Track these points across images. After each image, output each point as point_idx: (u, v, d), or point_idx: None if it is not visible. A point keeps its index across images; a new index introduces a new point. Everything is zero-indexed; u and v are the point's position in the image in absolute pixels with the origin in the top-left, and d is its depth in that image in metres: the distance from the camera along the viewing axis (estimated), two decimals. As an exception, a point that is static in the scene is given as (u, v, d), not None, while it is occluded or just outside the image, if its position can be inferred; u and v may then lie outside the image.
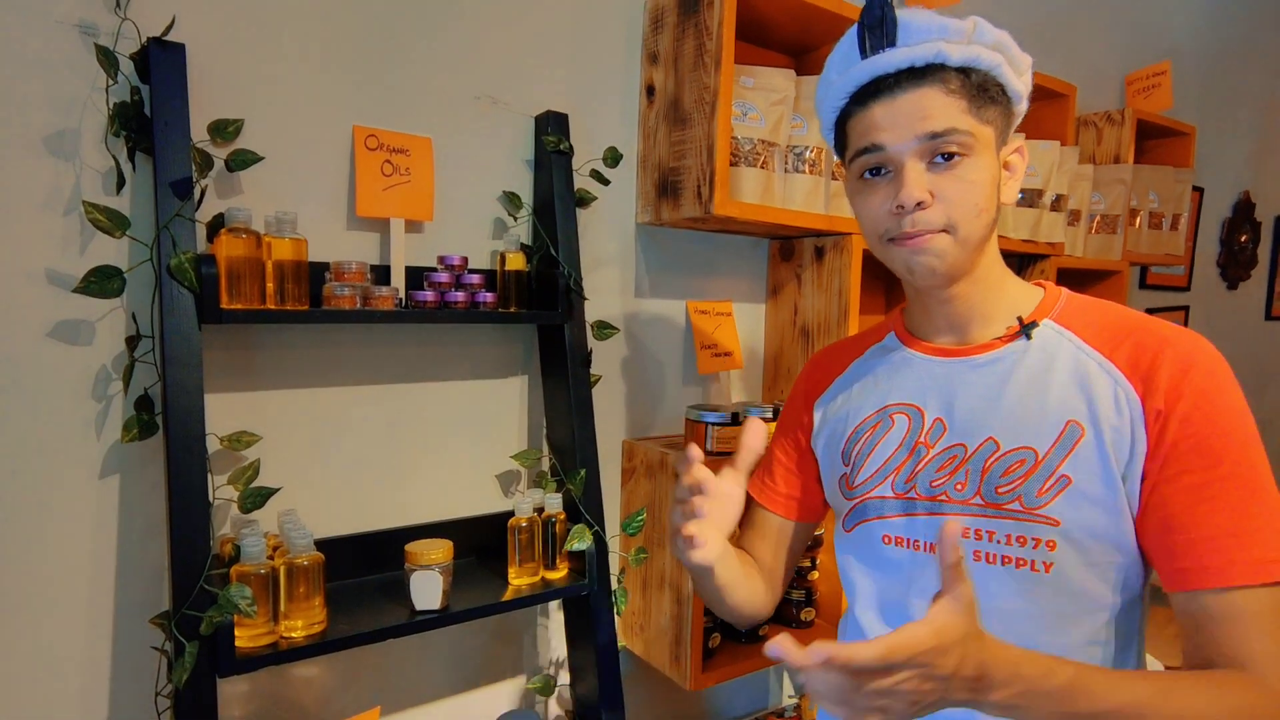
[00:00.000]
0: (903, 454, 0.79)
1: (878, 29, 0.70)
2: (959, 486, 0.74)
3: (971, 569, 0.72)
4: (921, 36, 0.69)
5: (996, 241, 0.78)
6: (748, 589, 0.86)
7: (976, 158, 0.70)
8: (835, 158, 0.82)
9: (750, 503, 0.94)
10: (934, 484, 0.76)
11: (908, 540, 0.78)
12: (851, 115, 0.74)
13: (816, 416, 0.90)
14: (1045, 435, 0.70)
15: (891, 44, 0.70)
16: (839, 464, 0.86)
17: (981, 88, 0.71)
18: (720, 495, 0.75)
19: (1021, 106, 0.76)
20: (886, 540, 0.79)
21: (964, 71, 0.70)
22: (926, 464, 0.77)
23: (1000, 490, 0.71)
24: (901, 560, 0.78)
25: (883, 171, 0.73)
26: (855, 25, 0.72)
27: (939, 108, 0.69)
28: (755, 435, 0.77)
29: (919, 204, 0.70)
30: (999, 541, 0.71)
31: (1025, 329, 0.75)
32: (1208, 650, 0.65)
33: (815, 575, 1.48)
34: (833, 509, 0.90)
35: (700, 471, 0.73)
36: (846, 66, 0.73)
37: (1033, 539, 0.70)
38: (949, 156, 0.70)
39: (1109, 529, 0.68)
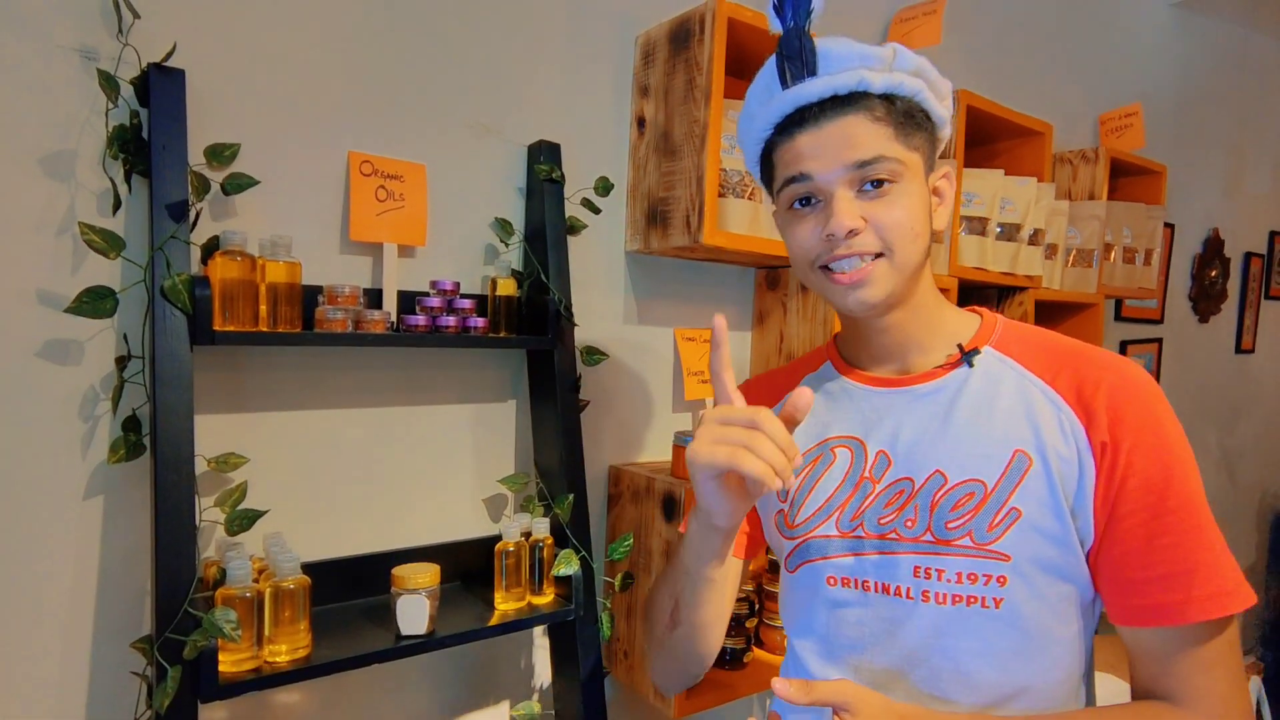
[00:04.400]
0: (846, 490, 0.76)
1: (797, 59, 0.69)
2: (909, 523, 0.71)
3: (920, 610, 0.70)
4: (843, 65, 0.68)
5: (930, 270, 0.77)
6: (724, 596, 0.81)
7: (906, 184, 0.70)
8: (763, 189, 0.80)
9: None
10: (883, 521, 0.73)
11: (856, 580, 0.74)
12: (777, 146, 0.73)
13: None
14: (993, 466, 0.68)
15: (812, 73, 0.69)
16: (774, 500, 0.82)
17: (907, 114, 0.70)
18: None
19: (945, 132, 0.75)
20: (832, 581, 0.76)
21: (887, 99, 0.69)
22: (873, 500, 0.74)
23: (950, 526, 0.69)
24: (849, 600, 0.75)
25: (812, 201, 0.72)
26: (774, 56, 0.71)
27: (865, 135, 0.68)
28: (805, 402, 0.64)
29: (851, 231, 0.68)
30: (949, 580, 0.69)
31: (967, 356, 0.73)
32: (1157, 683, 0.66)
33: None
34: (771, 547, 0.86)
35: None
36: (768, 98, 0.72)
37: (983, 575, 0.68)
38: (878, 184, 0.69)
39: (1059, 561, 0.67)
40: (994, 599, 0.68)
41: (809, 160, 0.70)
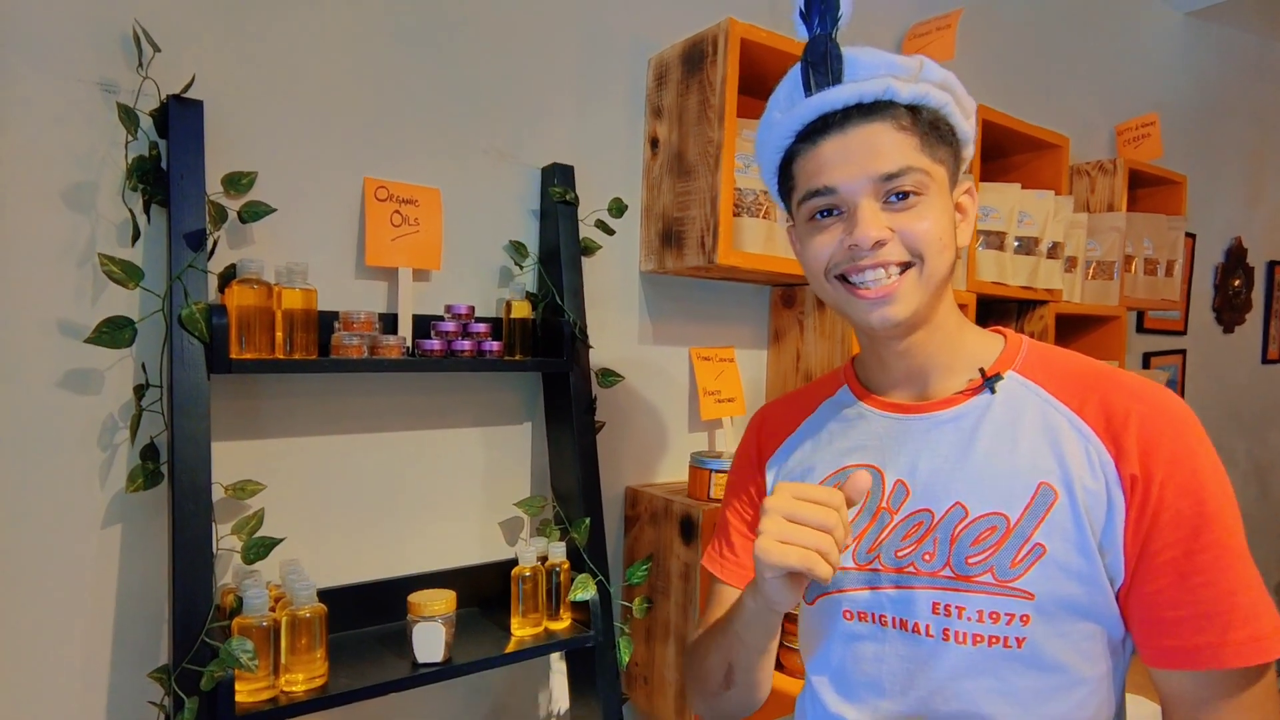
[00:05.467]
0: (864, 520, 0.73)
1: (822, 65, 0.67)
2: (927, 557, 0.68)
3: (943, 650, 0.67)
4: (869, 72, 0.67)
5: (952, 290, 0.75)
6: (775, 654, 0.81)
7: (932, 196, 0.68)
8: (778, 202, 0.79)
9: (710, 579, 0.88)
10: (900, 554, 0.70)
11: (872, 615, 0.71)
12: (799, 154, 0.70)
13: (769, 477, 0.84)
14: (1016, 499, 0.65)
15: (837, 80, 0.67)
16: None
17: (932, 125, 0.68)
18: None
19: (968, 151, 0.74)
20: (848, 615, 0.73)
21: (913, 109, 0.67)
22: (890, 532, 0.71)
23: (971, 561, 0.66)
24: (865, 635, 0.72)
25: (834, 212, 0.69)
26: (799, 63, 0.69)
27: (891, 145, 0.66)
28: (864, 485, 0.65)
29: (878, 242, 0.66)
30: (969, 618, 0.66)
31: (989, 382, 0.70)
32: None
33: None
34: None
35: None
36: (791, 105, 0.70)
37: (1006, 614, 0.64)
38: (904, 196, 0.67)
39: (1085, 600, 0.64)
40: (1016, 639, 0.64)
41: (832, 170, 0.67)
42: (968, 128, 0.72)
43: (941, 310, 0.72)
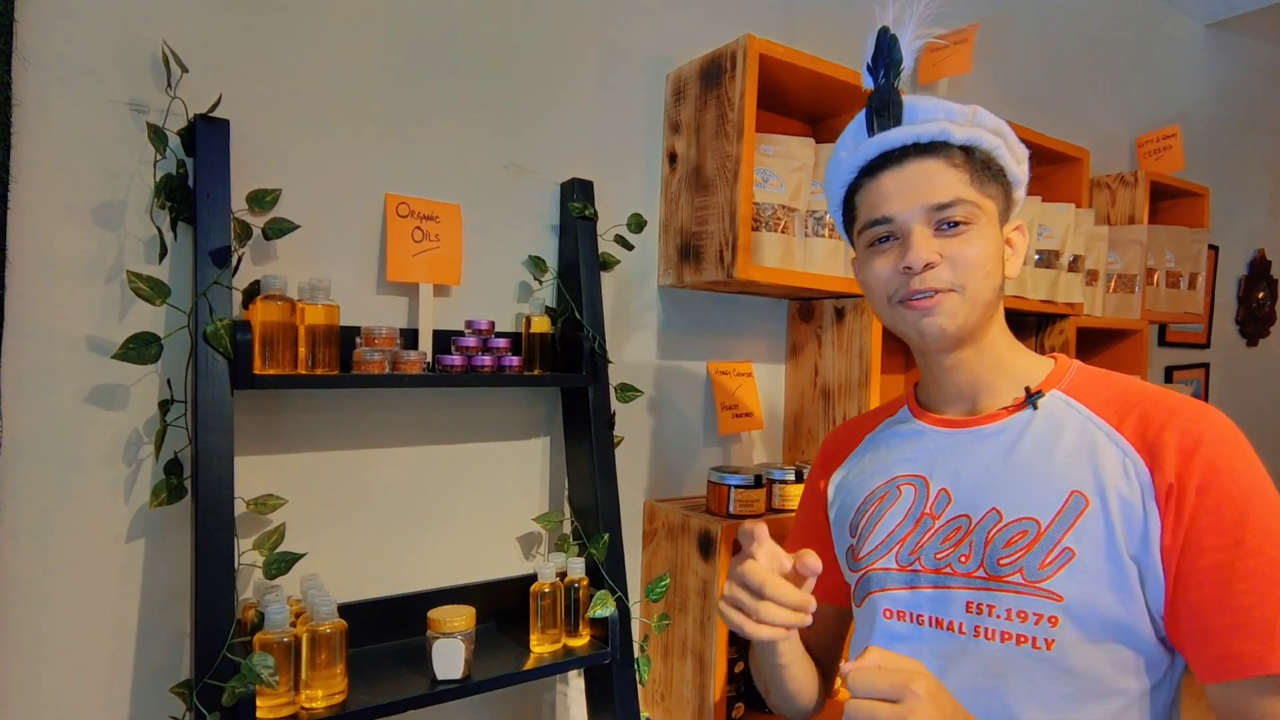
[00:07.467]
0: (908, 525, 0.78)
1: (885, 111, 0.75)
2: (963, 559, 0.73)
3: (972, 647, 0.71)
4: (927, 116, 0.74)
5: (1003, 314, 0.80)
6: (806, 671, 0.86)
7: (982, 227, 0.74)
8: (842, 235, 0.86)
9: None
10: (939, 556, 0.75)
11: (910, 614, 0.76)
12: (861, 188, 0.78)
13: (830, 490, 0.91)
14: (1048, 505, 0.69)
15: (898, 123, 0.75)
16: (847, 536, 0.86)
17: (984, 165, 0.75)
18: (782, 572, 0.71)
19: (1019, 193, 0.80)
20: (888, 615, 0.78)
21: (966, 150, 0.74)
22: (931, 536, 0.76)
23: (1002, 562, 0.70)
24: (903, 634, 0.76)
25: (891, 239, 0.76)
26: (864, 109, 0.77)
27: (944, 180, 0.73)
28: (812, 565, 0.70)
29: (928, 265, 0.72)
30: (999, 616, 0.69)
31: (1031, 398, 0.76)
32: None
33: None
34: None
35: (768, 548, 0.70)
36: (856, 145, 0.78)
37: (1034, 614, 0.67)
38: (954, 224, 0.73)
39: (1116, 608, 0.65)
40: (1045, 640, 0.67)
41: (890, 200, 0.74)
42: (1019, 171, 0.78)
43: (991, 332, 0.78)
